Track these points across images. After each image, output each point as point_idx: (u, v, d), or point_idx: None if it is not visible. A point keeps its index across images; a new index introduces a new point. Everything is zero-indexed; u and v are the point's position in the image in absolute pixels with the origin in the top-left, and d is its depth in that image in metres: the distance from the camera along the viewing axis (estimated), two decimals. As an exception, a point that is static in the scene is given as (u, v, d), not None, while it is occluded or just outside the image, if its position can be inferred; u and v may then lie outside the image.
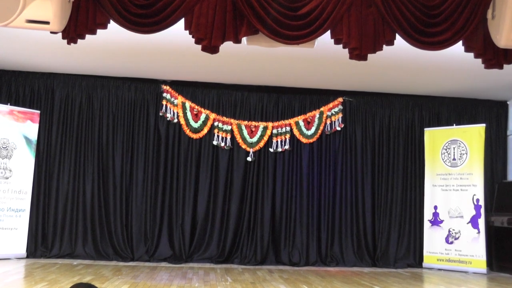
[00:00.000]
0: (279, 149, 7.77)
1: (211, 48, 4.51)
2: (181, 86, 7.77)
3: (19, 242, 6.99)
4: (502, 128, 8.26)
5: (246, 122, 7.78)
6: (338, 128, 7.90)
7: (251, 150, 7.71)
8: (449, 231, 7.41)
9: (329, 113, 7.93)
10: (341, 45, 4.62)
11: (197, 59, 6.10)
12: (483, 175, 7.25)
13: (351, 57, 4.66)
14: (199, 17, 4.40)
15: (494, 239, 7.43)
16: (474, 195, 7.29)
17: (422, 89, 7.93)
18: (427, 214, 7.70)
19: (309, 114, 7.92)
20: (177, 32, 4.77)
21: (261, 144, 7.74)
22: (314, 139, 7.86)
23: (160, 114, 7.65)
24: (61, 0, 4.06)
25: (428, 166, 7.76)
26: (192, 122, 7.66)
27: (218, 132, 7.69)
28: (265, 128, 7.79)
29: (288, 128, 7.83)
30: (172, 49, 6.17)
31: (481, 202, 7.21)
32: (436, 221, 7.55)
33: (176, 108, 7.67)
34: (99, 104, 7.61)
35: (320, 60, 6.42)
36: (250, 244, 7.59)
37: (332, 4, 4.43)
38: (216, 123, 7.71)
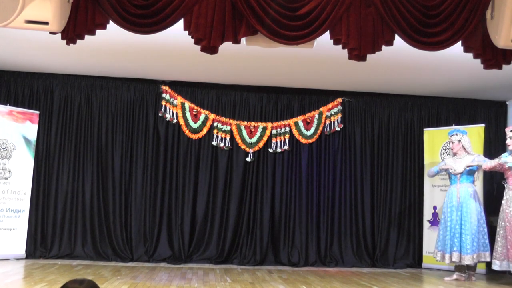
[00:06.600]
0: (279, 150, 7.77)
1: (210, 48, 4.51)
2: (180, 87, 7.77)
3: (18, 242, 6.99)
4: (501, 128, 8.24)
5: (245, 123, 7.78)
6: (337, 129, 7.90)
7: (250, 151, 7.71)
8: (448, 231, 7.41)
9: (328, 114, 7.94)
10: (340, 46, 4.63)
11: (196, 59, 6.10)
12: (482, 175, 7.25)
13: (350, 58, 4.67)
14: (198, 17, 4.40)
15: (493, 239, 7.42)
16: (473, 195, 7.30)
17: (421, 90, 7.94)
18: (427, 214, 7.70)
19: (308, 115, 7.92)
20: (176, 33, 4.77)
21: (261, 144, 7.74)
22: (314, 139, 7.86)
23: (160, 114, 7.65)
24: (60, 0, 4.07)
25: (427, 166, 7.75)
26: (191, 123, 7.66)
27: (217, 133, 7.69)
28: (265, 129, 7.79)
29: (287, 129, 7.83)
30: (171, 49, 6.17)
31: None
32: (435, 221, 7.54)
33: (175, 108, 7.66)
34: (98, 104, 7.61)
35: (319, 60, 6.42)
36: (250, 244, 7.59)
37: (331, 4, 4.43)
38: (215, 124, 7.71)
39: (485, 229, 6.49)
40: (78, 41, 4.50)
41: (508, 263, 6.11)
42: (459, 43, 4.66)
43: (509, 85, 7.35)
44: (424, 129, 7.93)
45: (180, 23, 4.47)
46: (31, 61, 7.04)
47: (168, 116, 7.64)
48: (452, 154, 6.87)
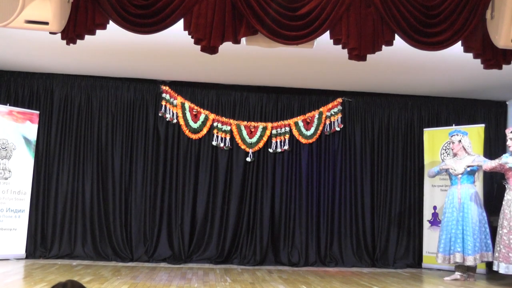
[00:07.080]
0: (279, 150, 7.77)
1: (210, 48, 4.51)
2: (180, 87, 7.77)
3: (18, 242, 6.99)
4: (501, 128, 8.25)
5: (245, 123, 7.78)
6: (337, 129, 7.91)
7: (250, 151, 7.71)
8: (448, 231, 7.41)
9: (328, 114, 7.94)
10: (340, 46, 4.63)
11: (196, 59, 6.10)
12: (482, 175, 7.25)
13: (350, 58, 4.67)
14: (198, 17, 4.41)
15: (494, 239, 7.42)
16: (474, 195, 7.30)
17: (421, 90, 7.94)
18: (427, 214, 7.71)
19: (308, 115, 7.92)
20: (176, 33, 4.77)
21: (261, 144, 7.74)
22: (313, 139, 7.86)
23: (160, 114, 7.65)
24: (60, 0, 4.07)
25: (427, 166, 7.75)
26: (191, 123, 7.66)
27: (217, 133, 7.69)
28: (265, 129, 7.79)
29: (287, 129, 7.83)
30: (171, 49, 6.17)
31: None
32: (435, 221, 7.55)
33: (175, 108, 7.66)
34: (98, 104, 7.61)
35: (319, 60, 6.42)
36: (250, 244, 7.59)
37: (331, 4, 4.43)
38: (215, 124, 7.71)
39: (487, 229, 6.52)
40: (78, 41, 4.50)
41: (505, 264, 6.10)
42: (459, 43, 4.66)
43: (509, 85, 7.35)
44: (424, 129, 7.93)
45: (180, 23, 4.47)
46: (31, 61, 7.04)
47: (168, 116, 7.64)
48: (452, 155, 6.87)
